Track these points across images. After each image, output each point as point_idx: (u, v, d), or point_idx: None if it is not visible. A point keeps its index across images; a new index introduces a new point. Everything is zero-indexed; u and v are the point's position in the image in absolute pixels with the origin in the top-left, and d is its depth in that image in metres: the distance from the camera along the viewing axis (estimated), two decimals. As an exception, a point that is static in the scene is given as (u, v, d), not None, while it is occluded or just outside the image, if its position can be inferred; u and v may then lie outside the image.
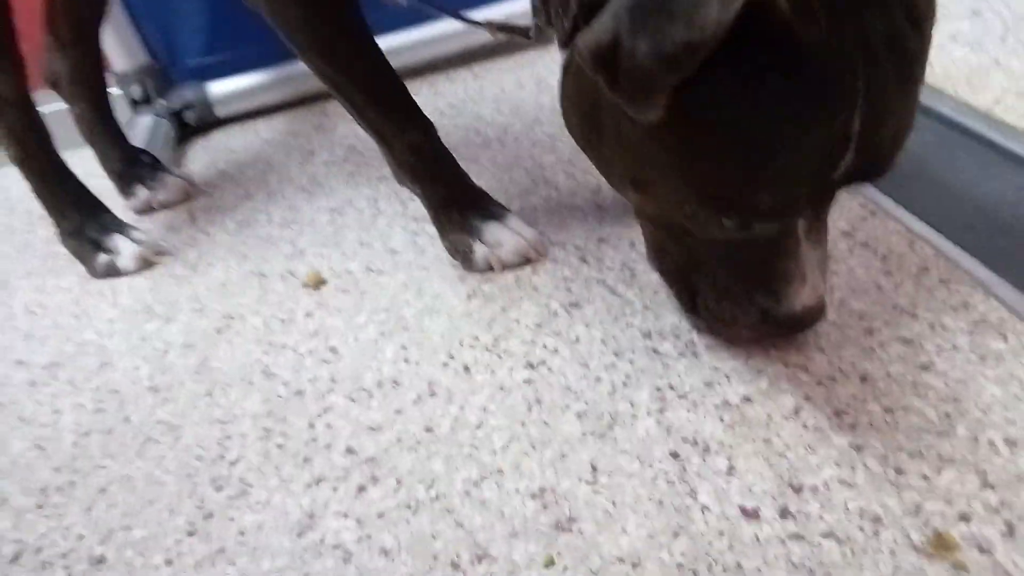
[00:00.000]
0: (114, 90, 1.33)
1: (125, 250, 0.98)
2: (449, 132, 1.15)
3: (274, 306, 0.86)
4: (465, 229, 0.82)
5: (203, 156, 1.27)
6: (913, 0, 0.46)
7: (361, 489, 0.62)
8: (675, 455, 0.58)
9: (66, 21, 1.03)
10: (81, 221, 0.99)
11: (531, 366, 0.69)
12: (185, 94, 1.33)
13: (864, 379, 0.61)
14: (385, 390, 0.71)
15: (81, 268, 1.01)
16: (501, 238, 0.81)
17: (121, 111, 1.31)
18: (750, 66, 0.44)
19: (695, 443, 0.59)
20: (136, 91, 1.31)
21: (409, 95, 0.80)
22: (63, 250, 1.03)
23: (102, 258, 0.98)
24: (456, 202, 0.83)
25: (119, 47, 1.27)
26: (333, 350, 0.77)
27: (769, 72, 0.44)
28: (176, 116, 1.32)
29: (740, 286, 0.58)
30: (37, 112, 0.96)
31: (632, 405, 0.63)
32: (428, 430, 0.66)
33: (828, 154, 0.47)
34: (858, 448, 0.56)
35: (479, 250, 0.81)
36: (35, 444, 0.75)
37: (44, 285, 1.01)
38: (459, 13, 0.84)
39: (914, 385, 0.59)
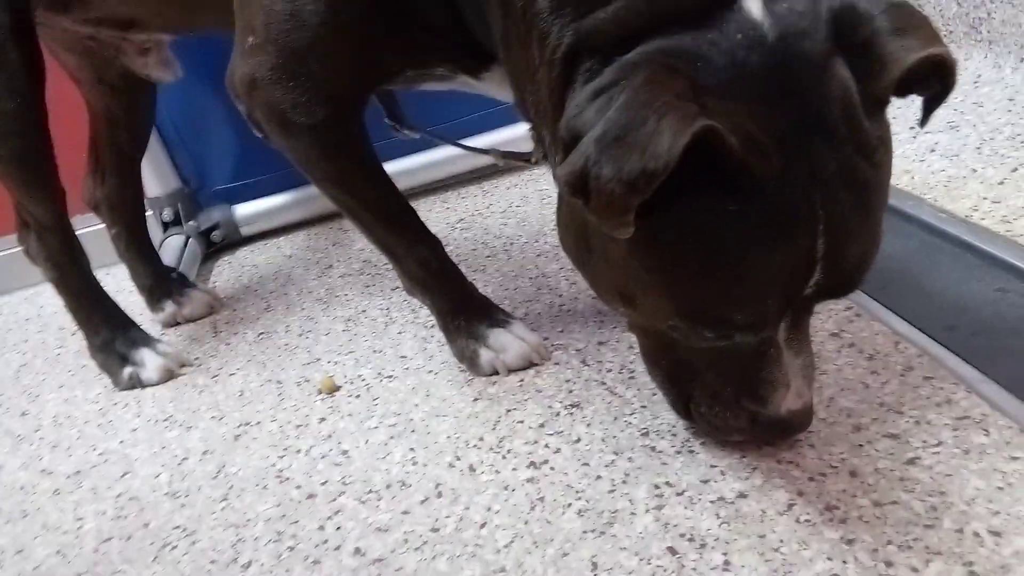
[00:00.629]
0: (147, 213, 1.43)
1: (150, 363, 1.03)
2: (459, 244, 1.21)
3: (290, 412, 0.90)
4: (471, 335, 0.86)
5: (228, 271, 1.35)
6: (863, 137, 0.49)
7: (369, 589, 0.64)
8: (673, 551, 0.60)
9: (108, 151, 1.13)
10: (111, 336, 1.05)
11: (534, 465, 0.72)
12: (213, 215, 1.42)
13: (854, 474, 0.63)
14: (393, 491, 0.74)
15: (108, 380, 1.06)
16: (505, 343, 0.85)
17: (153, 232, 1.39)
18: (711, 195, 0.48)
19: (692, 539, 0.61)
20: (168, 214, 1.40)
21: (415, 214, 0.86)
22: (92, 363, 1.08)
23: (127, 371, 1.03)
24: (462, 311, 0.87)
25: (153, 174, 1.37)
26: (345, 453, 0.80)
27: (729, 200, 0.48)
28: (204, 236, 1.41)
29: (729, 392, 0.62)
30: (74, 236, 1.03)
31: (631, 502, 0.65)
32: (434, 530, 0.68)
33: (795, 275, 0.51)
34: (849, 542, 0.57)
35: (484, 355, 0.86)
36: (58, 551, 0.78)
37: (73, 397, 1.06)
38: (466, 144, 0.92)
39: (901, 479, 0.61)
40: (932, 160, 1.07)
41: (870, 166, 0.50)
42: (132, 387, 1.03)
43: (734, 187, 0.47)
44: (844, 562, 0.56)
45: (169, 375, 1.03)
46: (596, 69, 0.51)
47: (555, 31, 0.54)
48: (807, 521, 0.60)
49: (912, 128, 1.17)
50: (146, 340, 1.06)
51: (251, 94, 0.76)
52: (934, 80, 0.50)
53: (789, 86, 0.47)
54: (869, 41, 0.48)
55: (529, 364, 0.86)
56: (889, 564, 0.55)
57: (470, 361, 0.87)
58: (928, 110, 0.53)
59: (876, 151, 0.50)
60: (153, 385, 1.03)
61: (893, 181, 1.03)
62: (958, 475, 0.60)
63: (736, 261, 0.50)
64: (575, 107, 0.49)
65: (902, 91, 0.51)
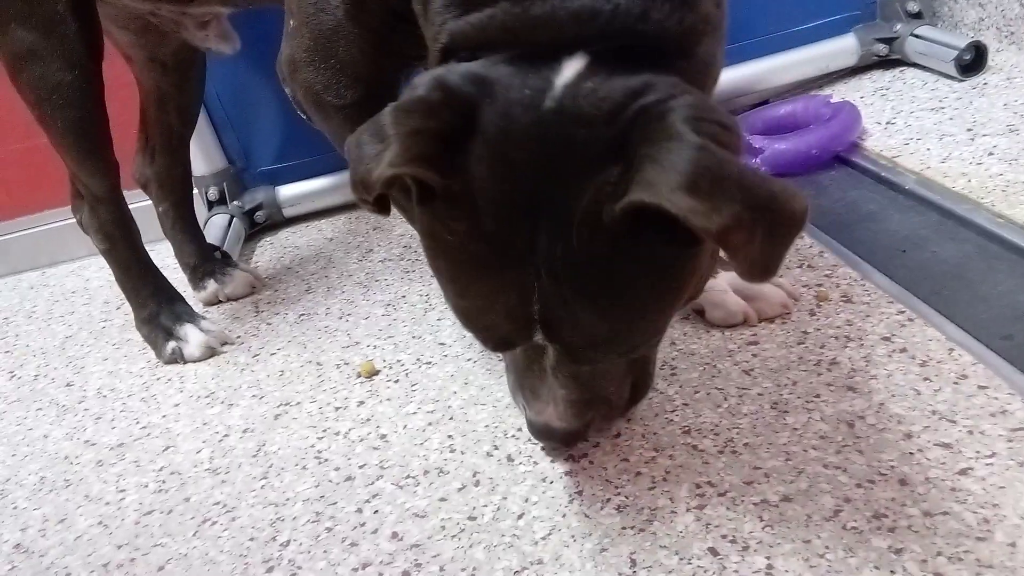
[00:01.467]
0: (193, 191, 1.44)
1: (193, 339, 1.04)
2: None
3: (329, 393, 0.90)
4: None
5: (270, 252, 1.36)
6: (581, 242, 0.47)
7: (405, 575, 0.64)
8: (714, 552, 0.59)
9: (158, 129, 1.14)
10: (157, 310, 1.06)
11: (573, 458, 0.71)
12: (257, 196, 1.43)
13: (903, 482, 0.61)
14: (431, 477, 0.74)
15: (151, 354, 1.08)
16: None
17: (198, 210, 1.41)
18: (437, 216, 0.51)
19: (734, 540, 0.60)
20: (213, 193, 1.41)
21: None
22: (137, 337, 1.10)
23: (171, 345, 1.05)
24: None
25: (200, 153, 1.38)
26: (383, 437, 0.81)
27: (447, 230, 0.51)
28: (248, 216, 1.42)
29: (513, 375, 0.64)
30: (127, 208, 1.05)
31: (672, 500, 0.65)
32: (471, 518, 0.68)
33: (511, 322, 0.53)
34: (897, 551, 0.56)
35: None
36: (100, 521, 0.79)
37: (117, 370, 1.08)
38: None
39: (953, 490, 0.60)
40: (990, 163, 1.04)
41: (592, 272, 0.49)
42: (174, 361, 1.05)
43: (456, 218, 0.50)
44: (892, 572, 0.54)
45: (211, 352, 1.05)
46: None
47: (437, 23, 0.56)
48: (854, 528, 0.58)
49: (970, 130, 1.13)
50: (191, 316, 1.07)
51: (293, 75, 0.77)
52: (690, 233, 0.42)
53: (540, 162, 0.47)
54: (640, 160, 0.43)
55: None
56: (939, 576, 0.53)
57: None
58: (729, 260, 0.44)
59: (604, 262, 0.48)
60: (195, 361, 1.04)
61: (949, 184, 1.02)
62: (1012, 487, 0.59)
63: (454, 276, 0.54)
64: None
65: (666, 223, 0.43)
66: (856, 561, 0.56)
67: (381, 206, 0.51)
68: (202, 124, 1.36)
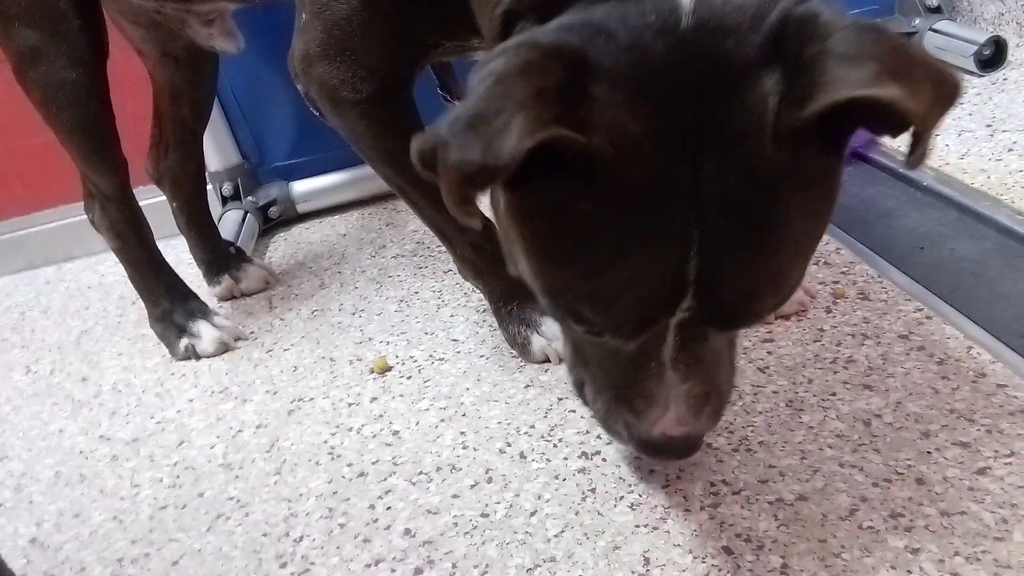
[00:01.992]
0: (208, 187, 1.45)
1: (206, 335, 1.05)
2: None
3: (342, 390, 0.90)
4: (523, 322, 0.86)
5: (284, 248, 1.36)
6: (764, 166, 0.43)
7: (418, 572, 0.64)
8: (728, 551, 0.59)
9: (171, 124, 1.15)
10: (170, 307, 1.07)
11: (586, 456, 0.71)
12: (270, 192, 1.43)
13: (921, 481, 0.61)
14: (444, 474, 0.73)
15: (164, 348, 1.08)
16: (559, 331, 0.84)
17: (212, 206, 1.41)
18: (568, 186, 0.44)
19: (748, 539, 0.59)
20: (227, 188, 1.41)
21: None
22: (152, 332, 1.11)
23: (184, 341, 1.05)
24: (516, 296, 0.86)
25: (215, 149, 1.39)
26: (396, 434, 0.81)
27: (584, 196, 0.44)
28: (261, 211, 1.42)
29: (609, 391, 0.57)
30: (137, 206, 1.05)
31: (685, 499, 0.64)
32: (484, 515, 0.68)
33: (656, 291, 0.46)
34: (914, 551, 0.55)
35: (536, 342, 0.85)
36: (114, 516, 0.80)
37: (132, 365, 1.09)
38: None
39: (971, 489, 0.59)
40: (1010, 160, 1.03)
41: (767, 200, 0.44)
42: (187, 358, 1.05)
43: (592, 185, 0.43)
44: (908, 572, 0.54)
45: (224, 348, 1.05)
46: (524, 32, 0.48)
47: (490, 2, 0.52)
48: (870, 528, 0.58)
49: (989, 126, 1.12)
50: (204, 312, 1.07)
51: (306, 71, 0.76)
52: (890, 121, 0.41)
53: (690, 85, 0.42)
54: (812, 60, 0.40)
55: None
56: (957, 577, 0.53)
57: (521, 348, 0.86)
58: (912, 149, 0.41)
59: (779, 186, 0.44)
60: (208, 357, 1.05)
61: (968, 180, 1.00)
62: (1033, 488, 0.58)
63: (585, 257, 0.47)
64: (474, 77, 0.44)
65: (849, 124, 0.44)
66: (872, 561, 0.55)
67: (479, 212, 0.44)
68: (216, 120, 1.36)
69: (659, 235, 0.44)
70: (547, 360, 0.85)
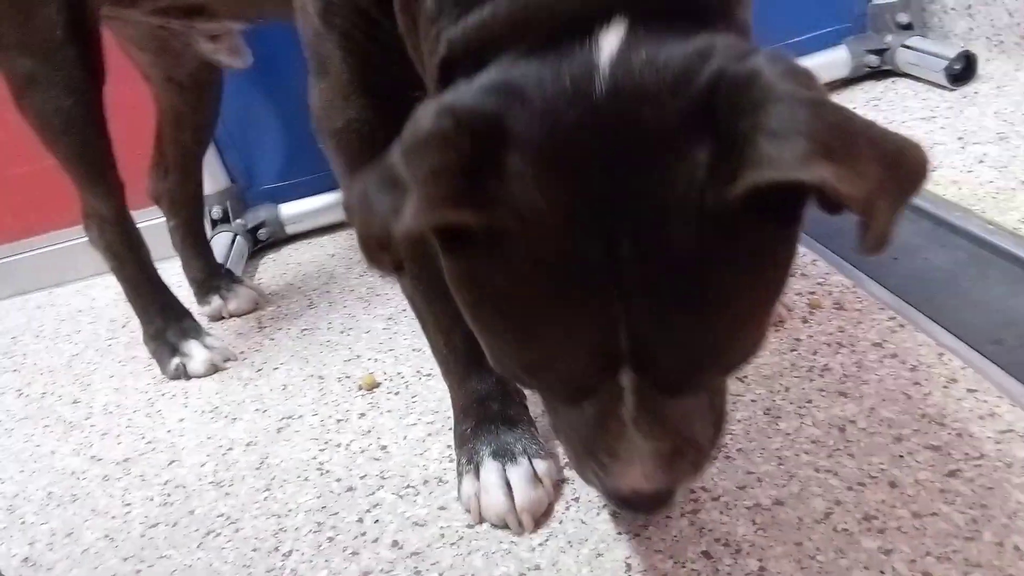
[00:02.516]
0: (204, 208, 1.46)
1: (197, 355, 1.06)
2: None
3: (331, 407, 0.92)
4: (470, 453, 0.73)
5: (273, 268, 1.38)
6: (678, 241, 0.39)
7: (405, 582, 0.65)
8: (707, 555, 0.60)
9: (172, 147, 1.17)
10: (164, 325, 1.09)
11: (569, 466, 0.73)
12: (259, 214, 1.45)
13: (893, 485, 0.62)
14: (431, 487, 0.75)
15: (156, 371, 1.10)
16: (488, 483, 0.70)
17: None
18: (483, 261, 0.43)
19: (727, 544, 0.61)
20: (217, 211, 1.43)
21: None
22: (142, 354, 1.12)
23: (175, 361, 1.06)
24: (475, 415, 0.74)
25: (205, 172, 1.40)
26: (384, 448, 0.82)
27: (496, 271, 0.42)
28: (251, 233, 1.44)
29: (578, 441, 0.53)
30: (134, 227, 1.07)
31: (666, 506, 0.66)
32: (470, 526, 0.69)
33: (588, 364, 0.44)
34: (887, 552, 0.57)
35: (466, 488, 0.71)
36: (106, 535, 0.80)
37: (123, 387, 1.10)
38: None
39: (942, 491, 0.61)
40: (981, 171, 1.05)
41: (693, 276, 0.41)
42: (178, 377, 1.06)
43: (502, 260, 0.42)
44: (881, 572, 0.55)
45: (214, 369, 1.06)
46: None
47: (433, 35, 0.48)
48: (844, 530, 0.59)
49: (960, 138, 1.15)
50: (197, 332, 1.09)
51: (309, 96, 0.73)
52: (831, 201, 0.36)
53: (605, 157, 0.39)
54: (742, 133, 0.36)
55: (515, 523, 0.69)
56: (927, 575, 0.54)
57: (459, 480, 0.73)
58: (861, 233, 0.35)
59: (708, 262, 0.40)
60: (199, 377, 1.06)
61: (941, 191, 1.03)
62: (1000, 488, 0.60)
63: (510, 327, 0.45)
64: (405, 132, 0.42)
65: (799, 196, 0.40)
66: (846, 562, 0.57)
67: (399, 264, 0.42)
68: (205, 144, 1.38)
69: (576, 310, 0.42)
70: (506, 525, 0.69)
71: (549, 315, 0.43)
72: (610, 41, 0.40)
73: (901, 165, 0.35)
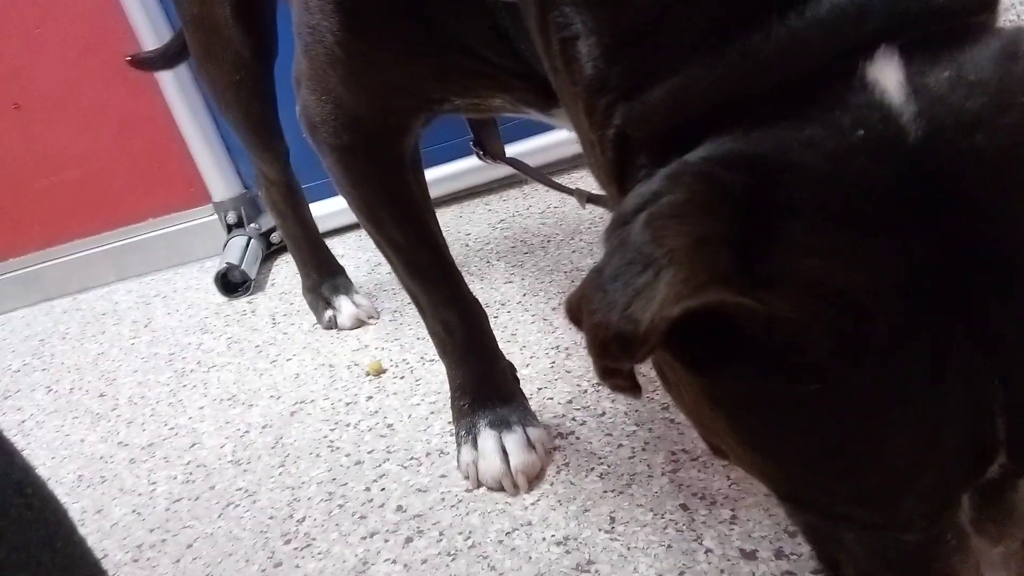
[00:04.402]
0: (212, 215, 1.54)
1: (345, 310, 1.14)
2: (499, 242, 1.28)
3: (340, 391, 0.98)
4: (468, 425, 0.77)
5: (286, 269, 1.44)
6: None
7: (408, 540, 0.71)
8: (685, 507, 0.65)
9: None
10: (319, 280, 1.18)
11: (561, 435, 0.78)
12: (272, 218, 1.52)
13: (857, 440, 0.67)
14: (433, 458, 0.80)
15: (177, 365, 1.16)
16: (486, 449, 0.74)
17: (219, 232, 1.51)
18: (773, 369, 0.33)
19: (703, 497, 0.66)
20: (232, 216, 1.50)
21: (451, 271, 0.76)
22: (163, 351, 1.19)
23: (329, 312, 1.15)
24: (472, 392, 0.78)
25: (219, 180, 1.48)
26: (390, 426, 0.88)
27: (800, 380, 0.33)
28: (264, 237, 1.51)
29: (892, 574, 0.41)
30: (298, 189, 1.17)
31: (649, 467, 0.71)
32: (468, 491, 0.74)
33: (955, 470, 0.34)
34: (848, 498, 0.62)
35: (465, 456, 0.75)
36: (133, 510, 0.87)
37: (146, 380, 1.16)
38: (552, 180, 0.93)
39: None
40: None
41: None
42: (330, 327, 1.14)
43: (806, 363, 0.32)
44: (842, 515, 0.60)
45: (360, 323, 1.13)
46: (648, 168, 0.37)
47: (601, 106, 0.40)
48: (810, 481, 0.64)
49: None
50: (347, 289, 1.17)
51: (297, 91, 0.70)
52: None
53: (935, 209, 0.31)
54: None
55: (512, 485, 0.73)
56: (883, 517, 0.59)
57: (465, 466, 0.76)
58: None
59: None
60: (346, 329, 1.13)
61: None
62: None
63: (831, 453, 0.35)
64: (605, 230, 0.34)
65: None
66: (810, 508, 0.62)
67: (634, 381, 0.35)
68: (219, 151, 1.46)
69: (935, 404, 0.32)
70: (502, 488, 0.73)
71: (890, 425, 0.33)
72: (889, 74, 0.32)
73: None
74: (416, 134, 0.70)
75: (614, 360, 0.32)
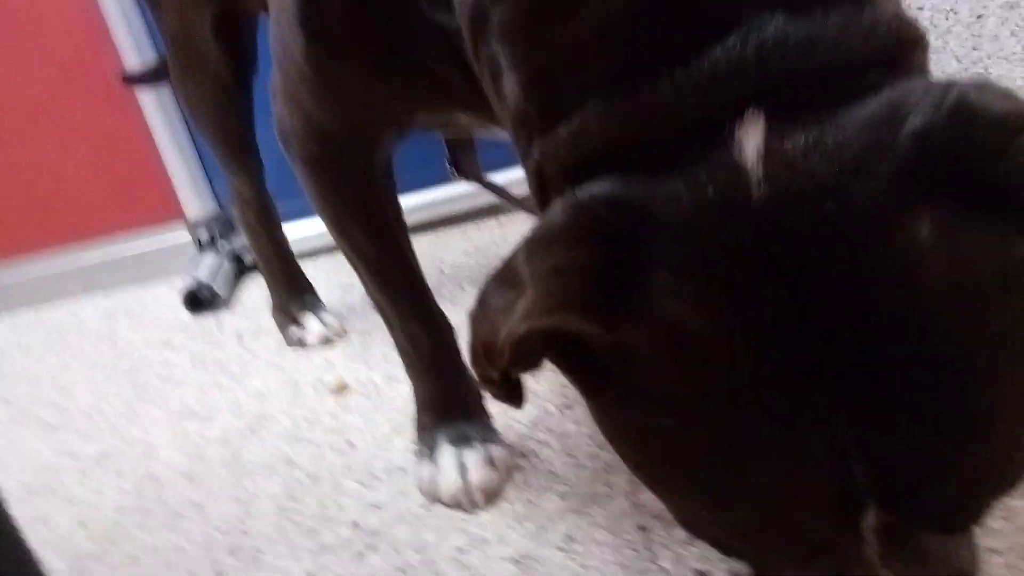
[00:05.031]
0: (187, 238, 1.52)
1: (312, 328, 1.13)
2: (473, 269, 1.28)
3: (302, 408, 0.96)
4: (429, 441, 0.76)
5: (255, 289, 1.42)
6: (930, 331, 0.31)
7: (360, 555, 0.69)
8: (642, 528, 0.64)
9: None
10: (288, 298, 1.16)
11: (523, 455, 0.77)
12: (244, 239, 1.51)
13: None
14: (393, 476, 0.79)
15: (137, 379, 1.14)
16: (445, 465, 0.73)
17: (189, 251, 1.49)
18: (639, 398, 0.35)
19: (662, 518, 0.65)
20: (203, 234, 1.49)
21: (422, 286, 0.76)
22: (124, 365, 1.16)
23: (295, 330, 1.13)
24: (435, 407, 0.77)
25: (194, 198, 1.47)
26: (350, 444, 0.86)
27: (658, 411, 0.35)
28: (235, 256, 1.49)
29: None
30: (271, 208, 1.16)
31: (609, 487, 0.70)
32: (425, 508, 0.73)
33: (824, 507, 0.34)
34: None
35: (423, 471, 0.75)
36: (77, 520, 0.84)
37: (104, 393, 1.13)
38: (528, 204, 0.89)
39: None
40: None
41: (954, 380, 0.31)
42: (297, 345, 1.12)
43: (654, 399, 0.35)
44: None
45: (326, 340, 1.12)
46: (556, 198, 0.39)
47: (523, 138, 0.42)
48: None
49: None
50: (315, 306, 1.16)
51: (272, 100, 0.70)
52: None
53: (786, 267, 0.32)
54: (1002, 183, 0.30)
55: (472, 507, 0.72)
56: None
57: (427, 483, 0.74)
58: None
59: (968, 357, 0.31)
60: (313, 346, 1.11)
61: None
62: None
63: (699, 484, 0.36)
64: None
65: None
66: None
67: (511, 391, 0.38)
68: (195, 170, 1.45)
69: (784, 451, 0.33)
70: (460, 505, 0.72)
71: (746, 460, 0.34)
72: (751, 135, 0.33)
73: None
74: (387, 147, 0.70)
75: (483, 368, 0.36)
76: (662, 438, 0.36)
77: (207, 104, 1.04)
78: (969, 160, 0.30)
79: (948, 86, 0.31)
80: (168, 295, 1.45)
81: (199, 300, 1.35)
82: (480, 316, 0.36)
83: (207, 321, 1.31)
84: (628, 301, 0.33)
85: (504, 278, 0.35)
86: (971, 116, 0.30)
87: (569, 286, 0.33)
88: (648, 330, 0.33)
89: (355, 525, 0.73)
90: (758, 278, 0.32)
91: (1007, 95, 0.30)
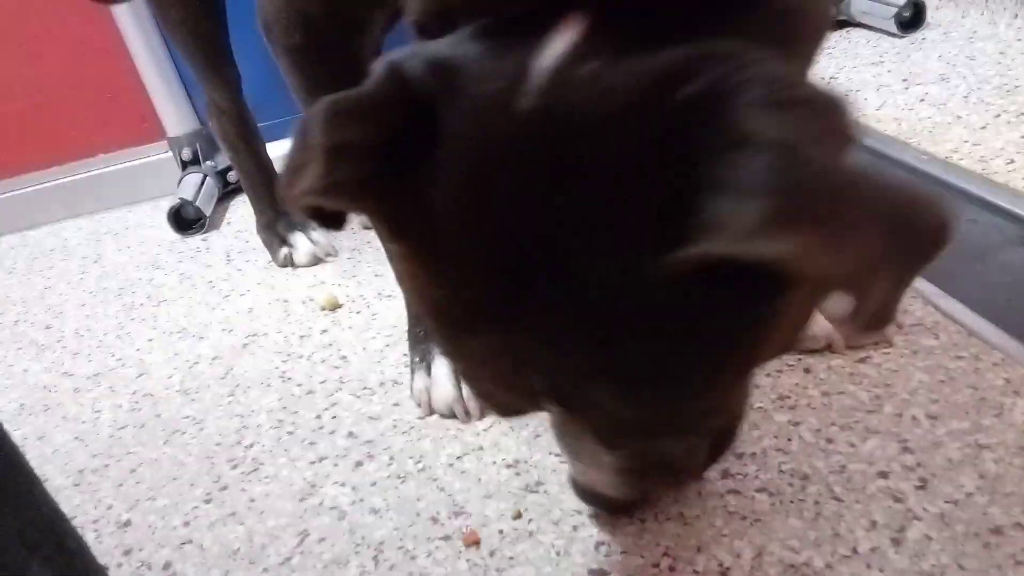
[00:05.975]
0: (167, 152, 1.49)
1: (302, 247, 1.11)
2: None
3: (294, 325, 0.96)
4: (422, 352, 0.77)
5: (241, 209, 1.40)
6: (633, 279, 0.32)
7: (358, 464, 0.70)
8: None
9: None
10: (275, 217, 1.14)
11: (516, 366, 0.77)
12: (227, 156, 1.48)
13: (808, 371, 0.68)
14: (387, 388, 0.79)
15: (127, 299, 1.13)
16: (439, 375, 0.74)
17: (173, 169, 1.46)
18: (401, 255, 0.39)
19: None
20: (187, 153, 1.45)
21: None
22: (113, 285, 1.15)
23: (284, 250, 1.12)
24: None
25: (174, 114, 1.43)
26: (343, 358, 0.86)
27: (409, 258, 0.38)
28: (220, 175, 1.46)
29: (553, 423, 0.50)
30: (250, 119, 1.13)
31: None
32: (420, 418, 0.73)
33: (512, 396, 0.41)
34: (795, 424, 0.62)
35: (418, 382, 0.76)
36: (75, 437, 0.84)
37: (94, 313, 1.13)
38: None
39: (851, 374, 0.66)
40: (920, 109, 1.10)
41: (629, 346, 0.34)
42: (286, 265, 1.11)
43: (410, 262, 0.38)
44: (788, 439, 0.61)
45: (316, 260, 1.11)
46: None
47: None
48: (760, 408, 0.65)
49: (904, 80, 1.20)
50: (303, 226, 1.13)
51: (259, 3, 0.69)
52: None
53: (522, 188, 0.32)
54: (699, 184, 0.28)
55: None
56: (830, 441, 0.60)
57: (411, 377, 0.77)
58: (854, 310, 0.29)
59: (634, 328, 0.33)
60: (303, 267, 1.10)
61: (883, 128, 1.08)
62: (904, 371, 0.65)
63: (434, 327, 0.42)
64: None
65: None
66: (758, 433, 0.62)
67: (324, 220, 0.39)
68: (174, 84, 1.41)
69: (487, 341, 0.38)
70: (454, 415, 0.73)
71: (459, 333, 0.39)
72: (557, 44, 0.32)
73: (912, 226, 0.28)
74: (374, 36, 0.67)
75: (293, 209, 0.39)
76: (422, 290, 0.39)
77: (180, 10, 1.00)
78: (691, 152, 0.29)
79: (743, 65, 0.29)
80: (153, 216, 1.43)
81: (185, 219, 1.33)
82: (285, 166, 0.36)
83: (194, 241, 1.30)
84: (415, 176, 0.35)
85: (303, 133, 0.35)
86: (722, 103, 0.28)
87: (348, 167, 0.35)
88: (418, 210, 0.35)
89: (351, 436, 0.74)
90: (501, 191, 0.33)
91: (780, 100, 0.28)
